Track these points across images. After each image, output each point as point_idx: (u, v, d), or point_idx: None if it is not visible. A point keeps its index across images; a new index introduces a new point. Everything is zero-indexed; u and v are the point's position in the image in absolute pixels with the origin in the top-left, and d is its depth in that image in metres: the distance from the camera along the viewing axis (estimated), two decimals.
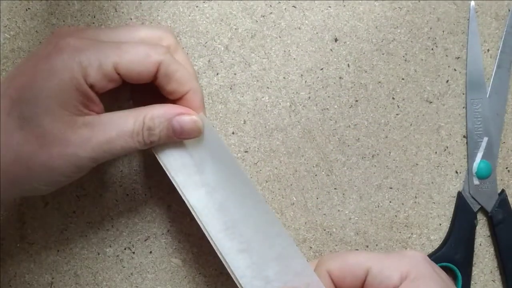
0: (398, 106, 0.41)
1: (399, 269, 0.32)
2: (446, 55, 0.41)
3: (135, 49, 0.31)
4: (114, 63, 0.31)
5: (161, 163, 0.34)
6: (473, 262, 0.41)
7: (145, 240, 0.40)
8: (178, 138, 0.33)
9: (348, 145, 0.41)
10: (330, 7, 0.41)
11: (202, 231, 0.33)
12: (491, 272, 0.41)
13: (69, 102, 0.30)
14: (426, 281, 0.31)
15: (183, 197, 0.34)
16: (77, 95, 0.31)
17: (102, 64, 0.31)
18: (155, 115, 0.32)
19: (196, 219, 0.33)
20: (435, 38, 0.41)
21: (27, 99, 0.30)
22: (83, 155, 0.31)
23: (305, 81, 0.40)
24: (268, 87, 0.40)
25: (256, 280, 0.33)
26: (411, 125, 0.41)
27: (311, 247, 0.40)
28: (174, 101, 0.34)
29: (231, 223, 0.33)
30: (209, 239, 0.33)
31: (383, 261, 0.32)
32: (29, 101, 0.30)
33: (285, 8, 0.40)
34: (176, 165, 0.34)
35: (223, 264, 0.33)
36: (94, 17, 0.40)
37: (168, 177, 0.34)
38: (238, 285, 0.33)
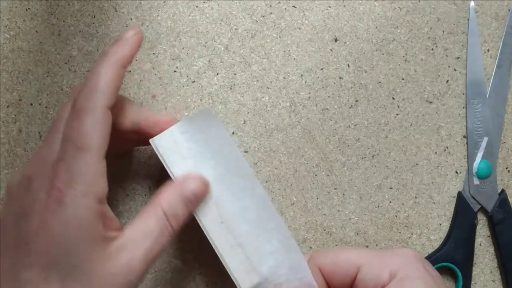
0: (398, 106, 0.41)
1: (389, 267, 0.32)
2: (446, 55, 0.41)
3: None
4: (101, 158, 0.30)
5: (158, 156, 0.34)
6: (473, 262, 0.41)
7: None
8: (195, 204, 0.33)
9: (348, 145, 0.41)
10: (330, 7, 0.41)
11: (202, 231, 0.34)
12: (491, 272, 0.41)
13: (97, 236, 0.29)
14: (413, 280, 0.31)
15: None
16: (100, 222, 0.30)
17: (96, 178, 0.29)
18: (171, 201, 0.32)
19: (193, 212, 0.34)
20: (435, 38, 0.41)
21: (59, 261, 0.29)
22: (132, 279, 0.30)
23: (305, 81, 0.41)
24: (268, 87, 0.40)
25: (249, 275, 0.33)
26: (411, 125, 0.41)
27: (311, 247, 0.40)
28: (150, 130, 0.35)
29: (227, 217, 0.33)
30: (205, 233, 0.33)
31: (373, 259, 0.33)
32: (63, 261, 0.29)
33: (285, 8, 0.40)
34: (174, 158, 0.34)
35: (223, 264, 0.33)
36: (94, 17, 0.40)
37: (168, 176, 0.34)
38: (233, 279, 0.33)
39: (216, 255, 0.33)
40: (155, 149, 0.34)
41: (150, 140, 0.34)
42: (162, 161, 0.34)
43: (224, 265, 0.33)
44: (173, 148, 0.34)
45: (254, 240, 0.33)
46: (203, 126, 0.34)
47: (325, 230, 0.40)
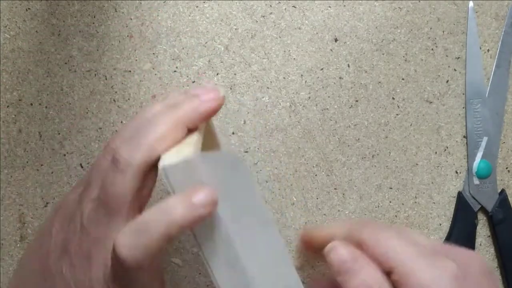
0: (398, 106, 0.41)
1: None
2: (446, 55, 0.41)
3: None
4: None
5: (167, 186, 0.29)
6: None
7: None
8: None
9: (348, 145, 0.41)
10: (330, 7, 0.41)
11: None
12: None
13: None
14: None
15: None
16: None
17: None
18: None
19: (199, 249, 0.30)
20: (435, 38, 0.41)
21: None
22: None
23: (305, 81, 0.41)
24: (268, 87, 0.40)
25: None
26: (411, 125, 0.41)
27: None
28: None
29: (235, 258, 0.30)
30: (209, 271, 0.30)
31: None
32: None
33: (285, 8, 0.40)
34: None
35: None
36: (94, 17, 0.40)
37: None
38: None
39: None
40: (164, 177, 0.28)
41: (160, 165, 0.28)
42: (170, 190, 0.29)
43: None
44: (187, 180, 0.28)
45: (260, 284, 0.30)
46: (227, 165, 0.29)
47: None
